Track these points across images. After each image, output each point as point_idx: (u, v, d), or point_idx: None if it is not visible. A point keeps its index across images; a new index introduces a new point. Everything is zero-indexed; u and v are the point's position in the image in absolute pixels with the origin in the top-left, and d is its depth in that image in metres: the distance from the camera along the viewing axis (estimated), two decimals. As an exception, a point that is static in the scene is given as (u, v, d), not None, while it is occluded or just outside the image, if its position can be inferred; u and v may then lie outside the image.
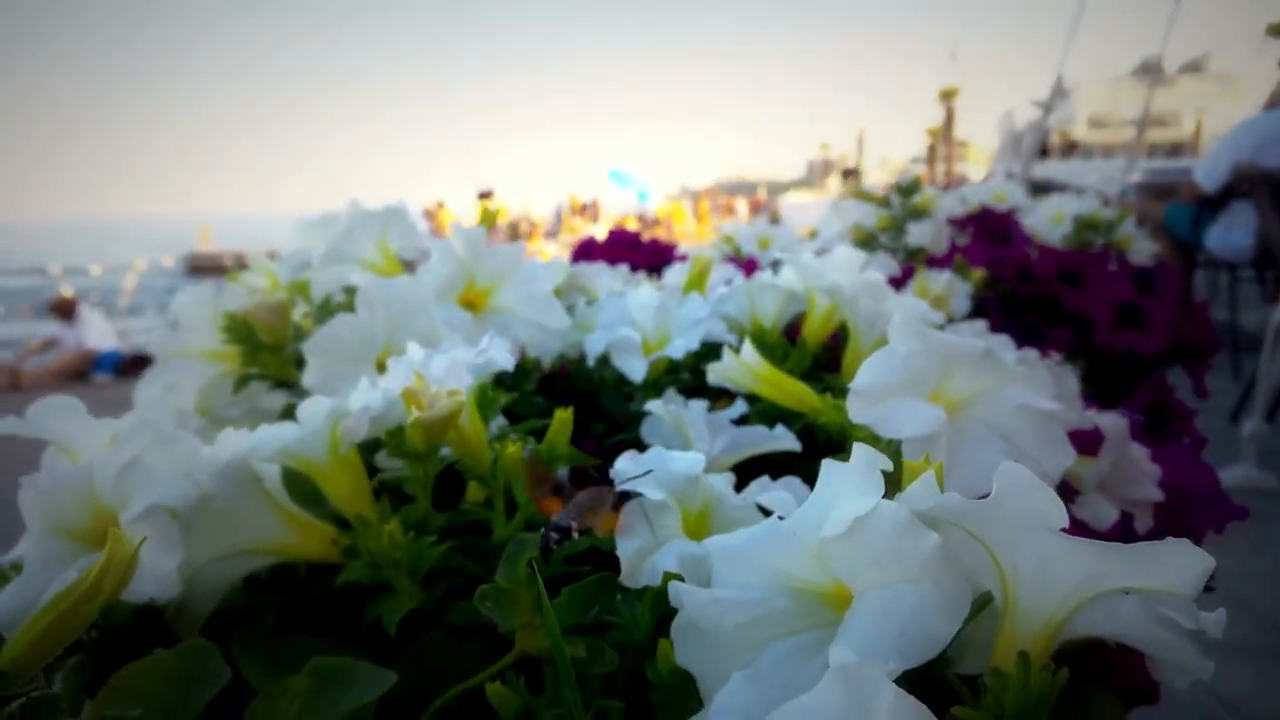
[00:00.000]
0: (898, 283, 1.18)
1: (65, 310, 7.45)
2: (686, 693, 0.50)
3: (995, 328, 1.17)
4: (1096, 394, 1.56)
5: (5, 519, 0.62)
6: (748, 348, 0.74)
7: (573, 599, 0.49)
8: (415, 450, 0.59)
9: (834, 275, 0.88)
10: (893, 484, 0.57)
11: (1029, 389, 0.62)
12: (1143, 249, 1.88)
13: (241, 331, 0.82)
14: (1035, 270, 1.53)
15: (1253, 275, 4.74)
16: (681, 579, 0.49)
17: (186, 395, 0.87)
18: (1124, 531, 0.65)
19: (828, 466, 0.46)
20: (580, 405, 1.19)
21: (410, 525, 0.61)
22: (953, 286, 1.39)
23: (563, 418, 0.66)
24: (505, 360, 0.59)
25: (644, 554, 0.51)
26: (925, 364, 0.61)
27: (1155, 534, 0.84)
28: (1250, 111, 4.35)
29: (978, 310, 1.45)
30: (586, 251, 1.86)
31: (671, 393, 0.86)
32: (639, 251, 1.77)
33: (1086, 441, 0.84)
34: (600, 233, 1.89)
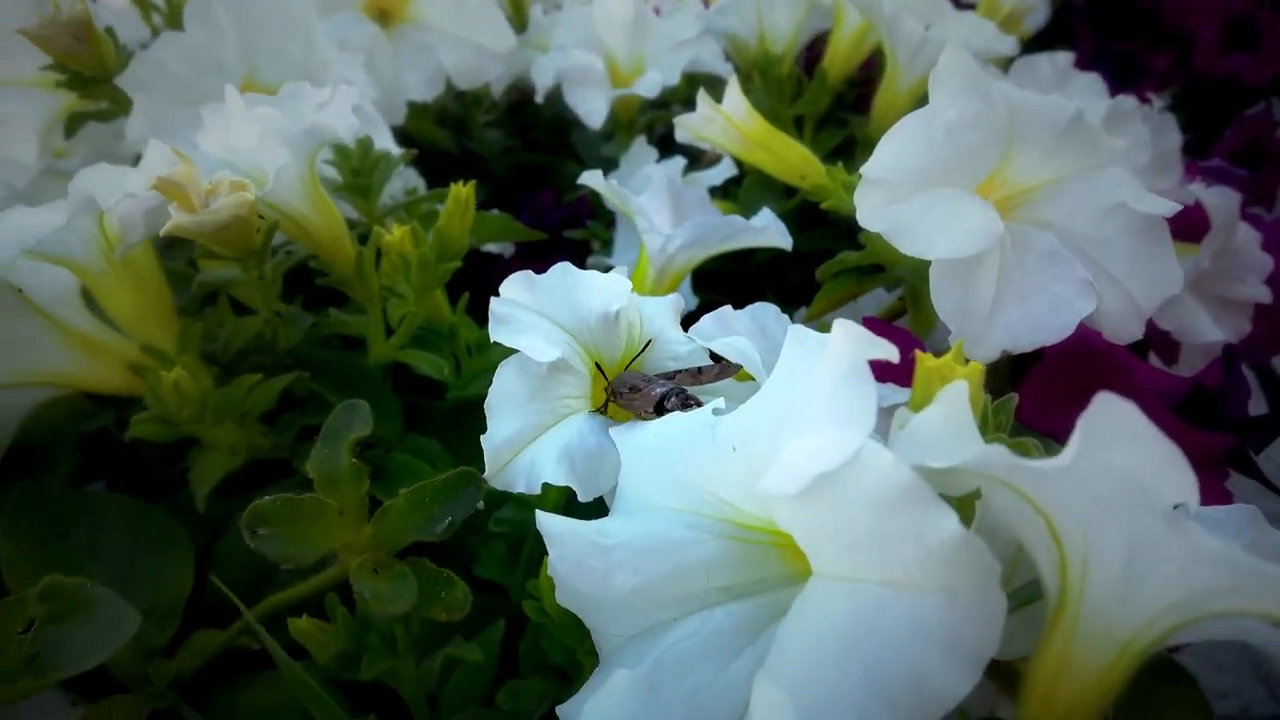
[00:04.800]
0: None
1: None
2: (584, 632, 0.36)
3: (1084, 58, 0.93)
4: (1186, 128, 1.31)
5: None
6: (733, 93, 0.53)
7: (413, 505, 0.33)
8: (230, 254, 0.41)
9: (869, -19, 0.64)
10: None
11: (1130, 177, 0.42)
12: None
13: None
14: (1134, -32, 1.23)
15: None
16: (569, 488, 0.33)
17: (26, 131, 0.68)
18: (1194, 392, 0.49)
19: (796, 337, 0.28)
20: (553, 140, 0.98)
21: (243, 347, 0.44)
22: (1030, -11, 1.11)
23: (458, 195, 0.47)
24: (345, 127, 0.40)
25: (518, 442, 0.34)
26: (981, 137, 0.41)
27: (1252, 342, 0.66)
28: None
29: (1058, 18, 1.18)
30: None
31: (641, 143, 0.66)
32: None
33: (1183, 224, 0.64)
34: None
